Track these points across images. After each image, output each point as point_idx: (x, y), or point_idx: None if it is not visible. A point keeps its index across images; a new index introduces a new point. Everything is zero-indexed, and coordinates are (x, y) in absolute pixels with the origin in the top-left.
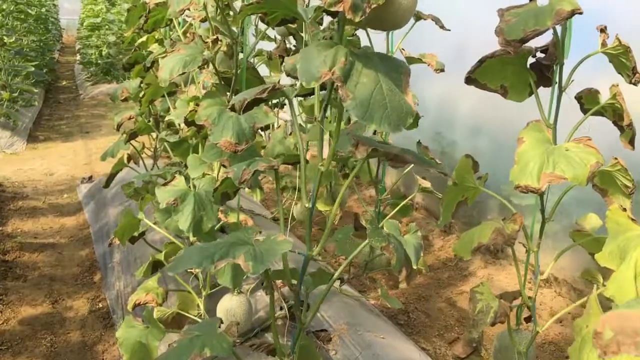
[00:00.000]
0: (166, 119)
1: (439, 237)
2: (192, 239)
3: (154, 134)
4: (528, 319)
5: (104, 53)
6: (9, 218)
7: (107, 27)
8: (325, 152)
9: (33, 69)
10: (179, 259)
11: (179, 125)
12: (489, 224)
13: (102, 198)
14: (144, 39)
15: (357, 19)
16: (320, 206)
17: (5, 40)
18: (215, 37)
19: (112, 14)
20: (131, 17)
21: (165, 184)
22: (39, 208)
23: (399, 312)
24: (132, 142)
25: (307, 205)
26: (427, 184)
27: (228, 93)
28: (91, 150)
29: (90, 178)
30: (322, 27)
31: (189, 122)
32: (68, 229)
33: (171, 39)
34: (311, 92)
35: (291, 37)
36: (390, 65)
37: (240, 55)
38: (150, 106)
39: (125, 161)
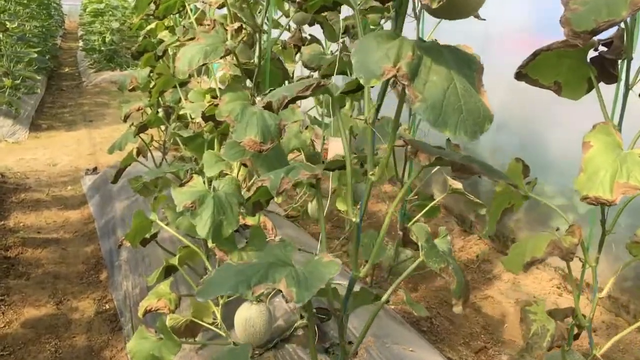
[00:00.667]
0: (180, 112)
1: (459, 236)
2: (210, 244)
3: (163, 126)
4: (576, 337)
5: (107, 40)
6: (11, 211)
7: (110, 13)
8: (335, 150)
9: (36, 55)
10: (211, 282)
11: (190, 117)
12: (542, 236)
13: (108, 191)
14: (152, 26)
15: (435, 5)
16: (340, 205)
17: (7, 26)
18: (239, 25)
19: (115, 0)
20: (141, 2)
21: (181, 185)
22: (42, 200)
23: (421, 318)
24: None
25: (354, 220)
26: (458, 184)
27: (247, 86)
28: (95, 140)
29: (94, 169)
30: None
31: (206, 117)
32: (72, 223)
33: (184, 27)
34: (355, 90)
35: (305, 27)
36: (462, 60)
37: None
38: (160, 97)
39: (135, 155)
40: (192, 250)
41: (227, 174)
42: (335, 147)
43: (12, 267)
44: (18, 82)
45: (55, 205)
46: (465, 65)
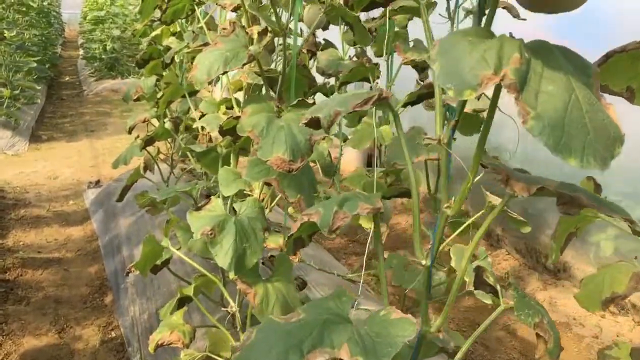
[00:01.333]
0: (193, 125)
1: (486, 251)
2: (232, 276)
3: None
4: None
5: (108, 47)
6: (10, 229)
7: (111, 20)
8: (351, 161)
9: (35, 64)
10: (252, 349)
11: (200, 129)
12: (620, 267)
13: (112, 206)
14: (158, 31)
15: None
16: (364, 222)
17: (5, 34)
18: (264, 27)
19: (116, 7)
20: (146, 6)
21: (198, 209)
22: (42, 217)
23: None
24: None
25: (424, 262)
26: (497, 200)
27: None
28: (97, 151)
29: (97, 182)
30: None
31: (225, 131)
32: (75, 241)
33: (193, 32)
34: (416, 102)
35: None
36: (576, 64)
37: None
38: (167, 108)
39: (142, 171)
40: (207, 279)
41: (248, 194)
42: (351, 159)
43: (11, 291)
44: (17, 92)
45: (56, 221)
46: (581, 70)
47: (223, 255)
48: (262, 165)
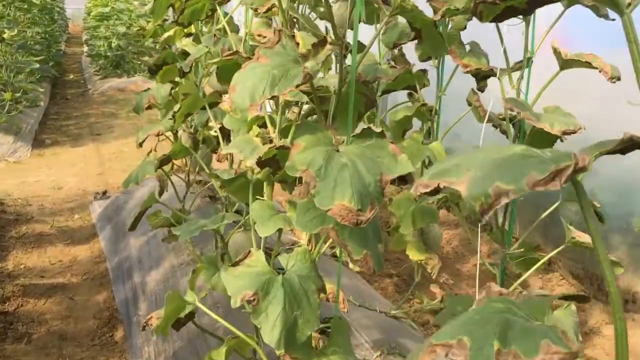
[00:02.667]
0: (224, 152)
1: (536, 274)
2: (279, 352)
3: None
4: None
5: (113, 45)
6: (10, 249)
7: (116, 17)
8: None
9: (37, 65)
10: None
11: (220, 139)
12: None
13: (121, 223)
14: (170, 33)
15: None
16: (412, 254)
17: (4, 36)
18: (322, 37)
19: (121, 3)
20: (158, 6)
21: (235, 264)
22: (45, 234)
23: None
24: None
25: None
26: (584, 237)
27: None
28: (104, 157)
29: (104, 193)
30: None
31: (263, 162)
32: (81, 262)
33: (215, 35)
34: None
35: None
36: None
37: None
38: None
39: (157, 195)
40: (241, 341)
41: (296, 244)
42: None
43: (11, 326)
44: (19, 94)
45: (60, 239)
46: None
47: (270, 329)
48: (316, 211)
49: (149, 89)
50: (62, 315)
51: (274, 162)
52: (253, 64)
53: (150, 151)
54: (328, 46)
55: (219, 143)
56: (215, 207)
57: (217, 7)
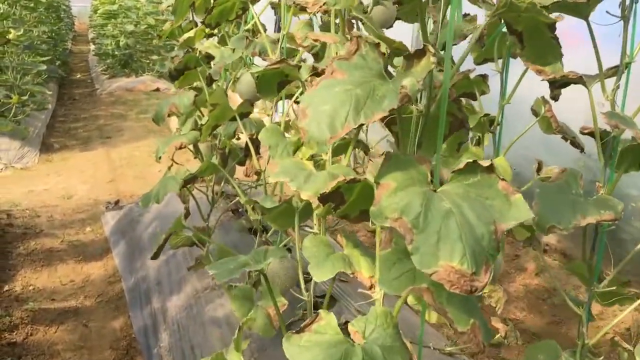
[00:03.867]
0: (269, 179)
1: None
2: None
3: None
4: None
5: (121, 44)
6: (18, 268)
7: (123, 14)
8: None
9: (44, 66)
10: None
11: (251, 150)
12: None
13: (137, 238)
14: (190, 33)
15: None
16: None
17: (10, 36)
18: (423, 46)
19: (129, 0)
20: (180, 5)
21: (300, 330)
22: (56, 250)
23: None
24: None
25: None
26: None
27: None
28: (114, 163)
29: (117, 203)
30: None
31: (326, 197)
32: (94, 282)
33: (247, 38)
34: None
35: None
36: None
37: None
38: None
39: (183, 219)
40: None
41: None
42: None
43: (19, 359)
44: (25, 97)
45: (72, 255)
46: None
47: None
48: (403, 266)
49: (158, 88)
50: (75, 346)
51: (337, 196)
52: (327, 81)
53: (171, 165)
54: (431, 58)
55: (246, 155)
56: (240, 223)
57: (250, 5)
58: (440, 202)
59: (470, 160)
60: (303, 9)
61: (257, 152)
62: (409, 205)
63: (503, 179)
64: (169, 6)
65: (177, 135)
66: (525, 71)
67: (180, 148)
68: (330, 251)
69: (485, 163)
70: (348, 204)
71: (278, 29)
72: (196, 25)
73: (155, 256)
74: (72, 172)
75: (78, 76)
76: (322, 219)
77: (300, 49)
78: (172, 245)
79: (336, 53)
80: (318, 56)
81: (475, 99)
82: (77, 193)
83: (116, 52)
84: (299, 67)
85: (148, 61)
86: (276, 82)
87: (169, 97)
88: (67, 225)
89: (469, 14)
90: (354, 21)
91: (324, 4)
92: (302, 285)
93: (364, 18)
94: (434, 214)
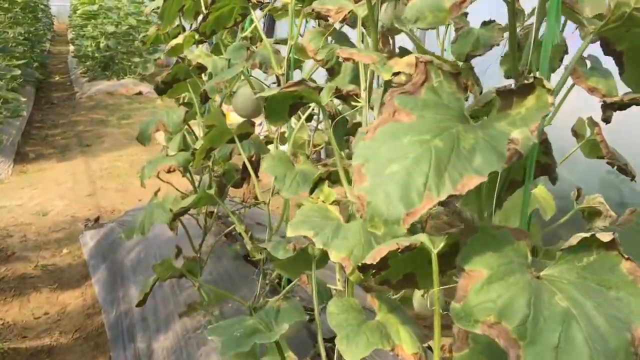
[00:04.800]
0: (290, 233)
1: None
2: None
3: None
4: None
5: (101, 45)
6: None
7: (104, 15)
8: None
9: (19, 71)
10: None
11: (251, 173)
12: None
13: (119, 263)
14: (179, 40)
15: None
16: None
17: None
18: (534, 79)
19: (110, 0)
20: (168, 9)
21: None
22: (29, 276)
23: None
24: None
25: None
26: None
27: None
28: (94, 174)
29: (96, 220)
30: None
31: (367, 265)
32: (71, 314)
33: (248, 49)
34: None
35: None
36: None
37: None
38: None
39: (174, 258)
40: None
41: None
42: None
43: None
44: None
45: (46, 282)
46: None
47: None
48: None
49: (140, 92)
50: None
51: (382, 263)
52: (389, 126)
53: (158, 190)
54: (548, 97)
55: (243, 178)
56: (234, 249)
57: (252, 11)
58: (551, 299)
59: (586, 235)
60: (322, 18)
61: (257, 175)
62: (510, 305)
63: (628, 258)
64: (154, 9)
65: (165, 157)
66: (570, 89)
67: (170, 172)
68: (361, 319)
69: (604, 237)
70: (391, 267)
71: (265, 29)
72: (184, 30)
73: (140, 304)
74: (49, 184)
75: (57, 78)
76: (351, 285)
77: (312, 61)
78: (159, 276)
79: (361, 70)
80: (334, 71)
81: None
82: (53, 209)
83: (96, 54)
84: (320, 90)
85: (130, 63)
86: (288, 105)
87: (156, 112)
88: (42, 247)
89: (494, 21)
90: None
91: (349, 13)
92: (323, 355)
93: (409, 33)
94: (548, 318)
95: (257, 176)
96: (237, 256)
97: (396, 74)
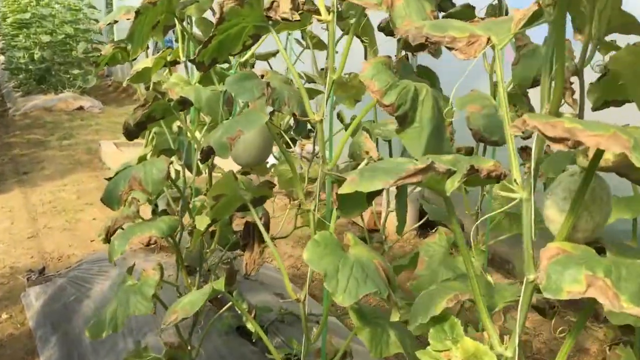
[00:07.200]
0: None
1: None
2: None
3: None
4: None
5: (36, 56)
6: None
7: (38, 24)
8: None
9: None
10: None
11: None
12: None
13: (75, 338)
14: (147, 62)
15: None
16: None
17: None
18: None
19: (43, 8)
20: (139, 26)
21: None
22: None
23: None
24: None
25: None
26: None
27: None
28: (36, 210)
29: (42, 272)
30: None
31: None
32: None
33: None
34: None
35: None
36: None
37: None
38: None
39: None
40: None
41: None
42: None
43: None
44: None
45: None
46: None
47: None
48: None
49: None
50: None
51: None
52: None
53: (133, 265)
54: None
55: (245, 245)
56: (226, 323)
57: (273, 32)
58: None
59: None
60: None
61: (262, 241)
62: None
63: None
64: (109, 23)
65: (141, 224)
66: None
67: (149, 245)
68: None
69: None
70: None
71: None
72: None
73: None
74: None
75: None
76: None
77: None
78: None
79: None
80: (407, 118)
81: None
82: None
83: (30, 66)
84: (450, 175)
85: (68, 75)
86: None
87: (126, 165)
88: None
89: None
90: None
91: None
92: None
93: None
94: None
95: (262, 242)
96: (229, 329)
97: None
